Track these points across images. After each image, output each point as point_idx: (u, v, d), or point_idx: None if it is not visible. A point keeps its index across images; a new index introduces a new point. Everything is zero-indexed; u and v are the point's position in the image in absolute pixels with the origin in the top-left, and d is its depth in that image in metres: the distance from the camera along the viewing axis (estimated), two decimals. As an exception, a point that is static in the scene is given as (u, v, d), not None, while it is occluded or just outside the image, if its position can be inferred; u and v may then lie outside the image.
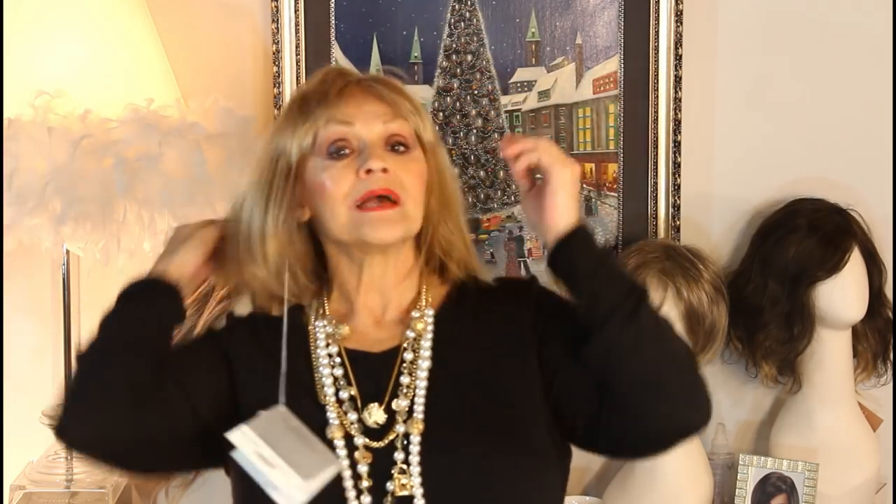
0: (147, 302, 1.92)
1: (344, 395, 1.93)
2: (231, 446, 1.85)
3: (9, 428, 2.79)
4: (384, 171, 1.91)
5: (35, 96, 2.45)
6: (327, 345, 1.97)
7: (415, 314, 1.98)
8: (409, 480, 1.87)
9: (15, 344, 2.85)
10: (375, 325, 1.99)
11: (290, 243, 1.96)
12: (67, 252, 2.61)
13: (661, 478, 2.72)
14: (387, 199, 1.91)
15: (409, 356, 1.95)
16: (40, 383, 2.83)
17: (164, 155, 2.46)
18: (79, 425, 1.88)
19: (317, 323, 1.99)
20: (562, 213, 1.89)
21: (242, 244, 1.97)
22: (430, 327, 1.97)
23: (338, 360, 1.96)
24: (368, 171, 1.90)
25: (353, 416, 1.92)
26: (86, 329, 2.71)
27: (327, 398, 1.93)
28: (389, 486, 1.88)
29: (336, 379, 1.94)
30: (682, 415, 1.86)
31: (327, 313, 2.00)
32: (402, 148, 1.95)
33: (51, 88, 2.46)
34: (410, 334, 1.96)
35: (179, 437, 1.92)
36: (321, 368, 1.95)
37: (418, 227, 1.96)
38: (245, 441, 1.85)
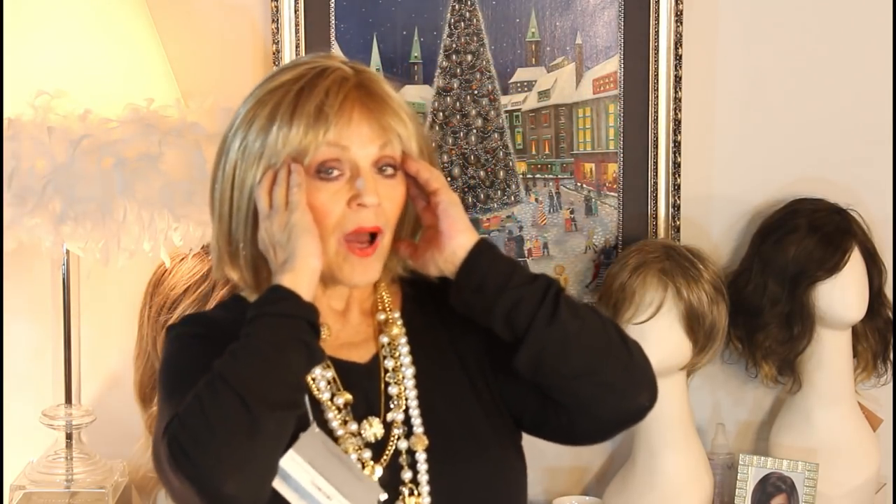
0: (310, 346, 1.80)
1: (339, 400, 1.88)
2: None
3: (9, 428, 2.79)
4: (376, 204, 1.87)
5: (35, 96, 2.45)
6: None
7: (381, 316, 1.95)
8: (419, 500, 1.85)
9: (15, 344, 2.85)
10: (342, 326, 1.94)
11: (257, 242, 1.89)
12: (67, 252, 2.61)
13: (661, 478, 2.72)
14: (372, 237, 1.87)
15: (389, 364, 1.92)
16: (40, 383, 2.84)
17: (164, 155, 2.46)
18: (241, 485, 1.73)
19: None
20: (460, 227, 1.87)
21: (220, 238, 1.91)
22: (403, 330, 1.94)
23: (326, 361, 1.88)
24: (361, 205, 1.85)
25: (353, 426, 1.87)
26: (86, 329, 2.73)
27: (325, 402, 1.87)
28: None
29: (329, 381, 1.89)
30: (625, 399, 1.86)
31: None
32: (389, 170, 1.89)
33: (51, 88, 2.45)
34: (385, 339, 1.93)
35: None
36: (313, 370, 1.86)
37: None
38: (298, 469, 1.78)
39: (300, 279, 1.79)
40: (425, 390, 1.91)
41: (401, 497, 1.85)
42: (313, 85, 1.87)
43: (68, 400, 2.67)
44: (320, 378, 1.88)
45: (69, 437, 2.67)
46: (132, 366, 2.73)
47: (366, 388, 1.90)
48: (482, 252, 1.87)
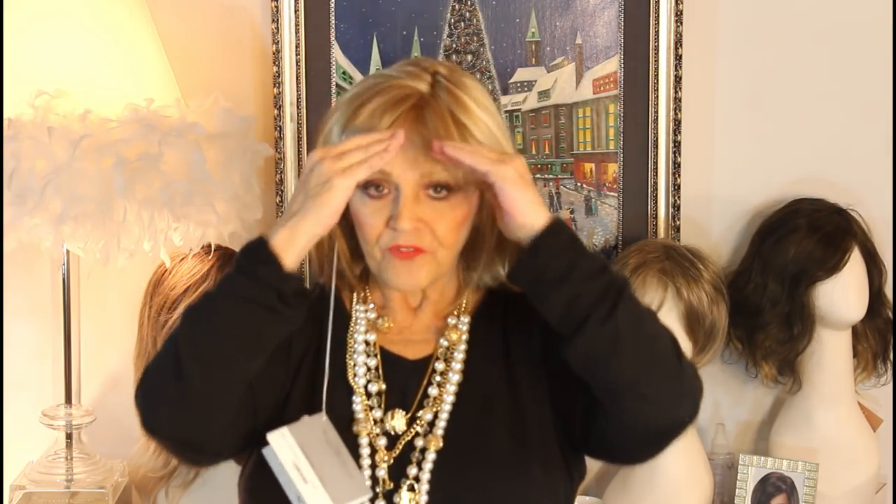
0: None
1: (373, 388, 1.93)
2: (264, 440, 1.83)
3: (9, 428, 2.79)
4: (414, 227, 1.86)
5: (35, 96, 2.45)
6: (366, 331, 1.96)
7: (451, 321, 1.97)
8: (417, 497, 1.87)
9: (15, 344, 2.85)
10: (411, 323, 1.98)
11: (338, 236, 1.94)
12: (67, 252, 2.61)
13: (661, 478, 2.72)
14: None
15: (440, 366, 1.94)
16: (40, 383, 2.84)
17: (164, 155, 2.46)
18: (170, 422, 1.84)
19: (357, 307, 1.98)
20: (521, 207, 1.80)
21: None
22: (465, 337, 1.96)
23: (374, 350, 1.95)
24: (395, 228, 1.86)
25: (378, 413, 1.91)
26: (86, 329, 2.73)
27: (358, 387, 1.92)
28: (396, 498, 1.88)
29: (369, 369, 1.94)
30: (668, 412, 1.83)
31: (369, 299, 1.99)
32: (443, 192, 1.88)
33: (51, 88, 2.46)
34: (444, 343, 1.95)
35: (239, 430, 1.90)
36: (356, 356, 1.95)
37: (447, 270, 1.93)
38: (284, 447, 1.82)
39: (295, 241, 1.80)
40: (463, 399, 1.92)
41: (399, 491, 1.88)
42: (369, 102, 1.88)
43: (68, 400, 2.67)
44: (361, 364, 1.94)
45: (69, 437, 2.67)
46: (132, 366, 2.73)
47: (404, 383, 1.93)
48: (545, 238, 1.80)
